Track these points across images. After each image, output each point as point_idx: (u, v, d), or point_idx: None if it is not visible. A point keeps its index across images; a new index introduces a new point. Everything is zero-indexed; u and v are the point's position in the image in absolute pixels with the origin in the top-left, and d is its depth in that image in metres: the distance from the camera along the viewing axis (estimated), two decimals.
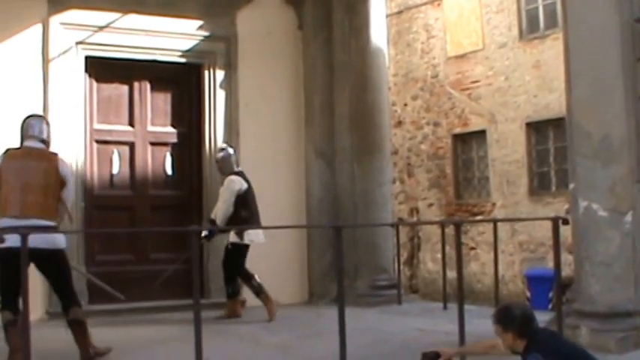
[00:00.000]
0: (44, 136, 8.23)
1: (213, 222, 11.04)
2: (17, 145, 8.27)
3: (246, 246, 11.11)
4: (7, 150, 8.13)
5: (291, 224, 12.65)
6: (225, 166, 11.21)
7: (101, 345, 8.22)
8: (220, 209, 10.97)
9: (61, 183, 8.03)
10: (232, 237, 11.03)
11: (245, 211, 10.98)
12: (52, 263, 7.81)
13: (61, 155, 8.39)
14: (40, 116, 8.61)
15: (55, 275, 8.01)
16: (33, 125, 8.22)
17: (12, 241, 7.06)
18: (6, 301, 7.83)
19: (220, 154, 11.32)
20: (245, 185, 11.07)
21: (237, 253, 11.10)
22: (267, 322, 10.64)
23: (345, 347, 6.53)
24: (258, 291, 11.10)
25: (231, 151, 11.32)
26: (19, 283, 7.24)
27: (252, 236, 11.03)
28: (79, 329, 8.01)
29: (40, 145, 8.16)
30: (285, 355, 8.35)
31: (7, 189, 7.84)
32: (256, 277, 11.12)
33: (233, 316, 11.10)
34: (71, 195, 8.41)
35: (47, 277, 8.08)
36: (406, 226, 18.45)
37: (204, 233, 10.84)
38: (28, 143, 8.12)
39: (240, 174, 11.19)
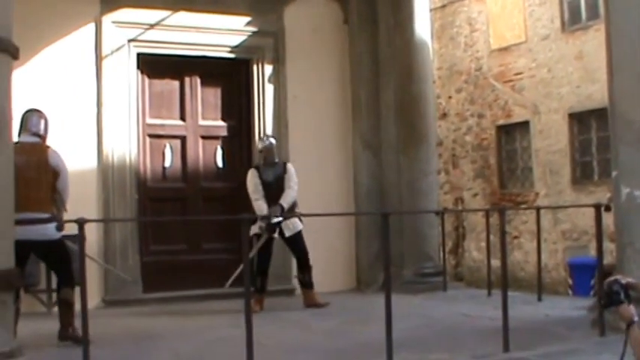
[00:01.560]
0: (38, 129, 8.31)
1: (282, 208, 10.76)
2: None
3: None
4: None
5: (338, 217, 12.68)
6: (271, 156, 11.05)
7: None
8: (291, 196, 10.84)
9: (54, 174, 8.12)
10: (300, 225, 10.93)
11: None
12: (48, 252, 8.00)
13: (52, 147, 8.39)
14: (37, 110, 8.53)
15: (51, 262, 8.28)
16: (28, 120, 8.32)
17: (22, 232, 7.26)
18: None
19: (264, 144, 11.14)
20: None
21: (303, 239, 11.01)
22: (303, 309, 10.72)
23: (392, 330, 6.52)
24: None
25: (273, 140, 11.22)
26: (22, 271, 7.57)
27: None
28: (65, 309, 8.10)
29: (34, 139, 8.26)
30: (333, 339, 8.35)
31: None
32: None
33: (320, 304, 10.91)
34: (66, 185, 8.31)
35: (45, 262, 8.28)
36: (451, 213, 18.29)
37: (275, 220, 10.62)
38: (22, 138, 8.19)
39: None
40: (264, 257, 10.83)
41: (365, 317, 9.61)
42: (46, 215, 7.94)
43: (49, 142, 8.49)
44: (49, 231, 7.89)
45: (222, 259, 12.01)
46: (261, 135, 12.38)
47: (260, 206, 10.71)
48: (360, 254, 13.06)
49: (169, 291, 11.75)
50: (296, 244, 10.98)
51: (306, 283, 11.06)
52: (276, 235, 10.80)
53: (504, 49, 19.95)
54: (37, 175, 8.00)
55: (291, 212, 10.69)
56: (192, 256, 12.39)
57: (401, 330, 7.35)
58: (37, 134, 8.30)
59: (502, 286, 7.47)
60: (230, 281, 10.43)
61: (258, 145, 11.30)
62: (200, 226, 12.46)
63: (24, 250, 7.55)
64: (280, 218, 10.55)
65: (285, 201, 10.74)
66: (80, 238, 6.11)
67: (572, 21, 18.37)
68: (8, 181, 5.36)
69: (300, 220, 10.87)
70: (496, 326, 7.45)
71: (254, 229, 10.62)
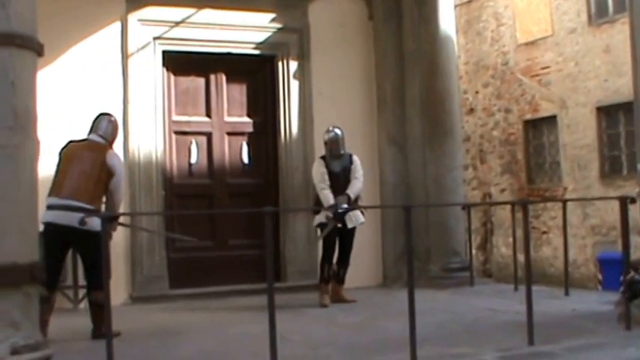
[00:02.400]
0: (106, 133, 8.88)
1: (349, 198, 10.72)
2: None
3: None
4: (70, 141, 8.81)
5: (365, 212, 12.67)
6: (337, 147, 10.98)
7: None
8: (357, 187, 10.82)
9: (109, 173, 8.54)
10: (362, 217, 10.94)
11: None
12: (85, 243, 8.14)
13: (114, 150, 8.93)
14: (107, 114, 9.15)
15: (86, 255, 8.39)
16: (98, 122, 8.94)
17: (54, 216, 8.14)
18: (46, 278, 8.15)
19: (331, 135, 11.05)
20: None
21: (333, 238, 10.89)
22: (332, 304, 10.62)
23: (415, 324, 6.52)
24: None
25: (339, 132, 11.08)
26: (60, 263, 8.38)
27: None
28: (96, 309, 8.29)
29: (100, 140, 8.80)
30: (358, 334, 8.36)
31: (62, 173, 8.48)
32: None
33: (347, 300, 10.90)
34: (119, 186, 8.73)
35: (80, 255, 8.44)
36: (475, 207, 18.20)
37: (341, 209, 10.53)
38: (90, 137, 8.83)
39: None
40: (330, 246, 10.82)
41: (390, 312, 9.63)
42: (90, 207, 8.19)
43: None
44: (91, 222, 8.01)
45: (248, 256, 12.08)
46: (290, 132, 12.52)
47: (326, 196, 10.65)
48: (386, 250, 13.07)
49: (196, 287, 11.82)
50: (349, 237, 10.90)
51: (340, 279, 11.01)
52: (340, 225, 10.70)
53: (531, 44, 19.86)
54: (92, 169, 8.47)
55: (355, 203, 10.70)
56: (219, 252, 12.44)
57: (426, 324, 7.38)
58: (103, 136, 8.84)
59: (526, 278, 7.44)
60: (321, 236, 10.70)
61: (324, 136, 11.18)
62: (226, 222, 12.51)
63: (63, 237, 8.12)
64: (346, 207, 10.50)
65: (352, 191, 10.73)
66: (103, 233, 6.17)
67: (598, 14, 18.26)
68: (32, 177, 5.41)
69: (363, 214, 10.89)
70: (521, 320, 7.43)
71: (319, 219, 10.75)
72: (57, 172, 8.56)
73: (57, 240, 8.31)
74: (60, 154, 8.69)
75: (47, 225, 8.32)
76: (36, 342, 5.27)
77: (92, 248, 8.15)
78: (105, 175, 8.53)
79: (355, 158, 11.01)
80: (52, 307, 8.37)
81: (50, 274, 8.05)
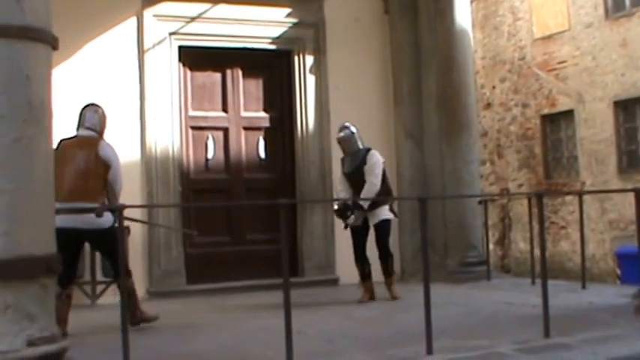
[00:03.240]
0: (94, 124, 8.70)
1: (355, 204, 10.37)
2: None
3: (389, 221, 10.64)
4: (61, 140, 8.55)
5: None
6: (350, 146, 10.61)
7: (150, 312, 8.68)
8: (370, 191, 10.19)
9: (105, 165, 8.42)
10: (386, 214, 10.48)
11: (386, 186, 10.57)
12: (100, 241, 8.17)
13: (105, 140, 8.71)
14: (93, 105, 8.93)
15: (104, 251, 8.45)
16: (84, 115, 8.76)
17: (60, 221, 7.59)
18: (60, 275, 8.23)
19: (341, 134, 10.70)
20: (382, 158, 10.63)
21: (389, 231, 10.63)
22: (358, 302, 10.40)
23: (430, 316, 6.52)
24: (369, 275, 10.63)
25: (353, 129, 10.69)
26: (73, 262, 8.30)
27: (389, 213, 10.59)
28: (128, 297, 8.16)
29: (89, 133, 8.64)
30: (374, 327, 8.36)
31: (59, 176, 8.08)
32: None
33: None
34: (117, 176, 8.58)
35: (99, 252, 8.46)
36: (493, 201, 18.13)
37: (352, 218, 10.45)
38: (79, 132, 8.69)
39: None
40: (355, 245, 10.61)
41: (407, 306, 9.61)
42: (94, 205, 8.10)
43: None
44: (97, 220, 8.04)
45: (265, 251, 12.08)
46: (306, 126, 12.58)
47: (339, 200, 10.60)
48: (403, 245, 13.04)
49: (213, 282, 11.83)
50: (378, 233, 10.55)
51: (385, 273, 10.69)
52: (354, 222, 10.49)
53: (548, 38, 19.83)
54: (87, 166, 8.34)
55: (378, 202, 10.33)
56: (236, 247, 12.46)
57: (442, 318, 7.37)
58: (91, 128, 8.66)
59: (542, 268, 7.42)
60: (351, 221, 10.48)
61: (336, 136, 10.93)
62: (243, 217, 12.53)
63: (74, 238, 8.06)
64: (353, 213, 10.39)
65: (370, 194, 10.30)
66: (120, 224, 6.19)
67: (615, 8, 18.21)
68: (48, 169, 5.42)
69: (392, 211, 10.62)
70: (538, 314, 7.40)
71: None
72: (55, 175, 8.37)
73: (67, 242, 7.86)
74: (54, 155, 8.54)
75: (61, 230, 8.16)
76: (52, 334, 5.26)
77: (107, 244, 8.27)
78: (102, 168, 8.42)
79: (370, 155, 10.48)
80: (69, 304, 8.44)
81: (63, 272, 8.15)
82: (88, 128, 8.66)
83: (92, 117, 8.73)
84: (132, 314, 8.39)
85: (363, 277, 10.55)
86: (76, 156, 8.39)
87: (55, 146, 8.36)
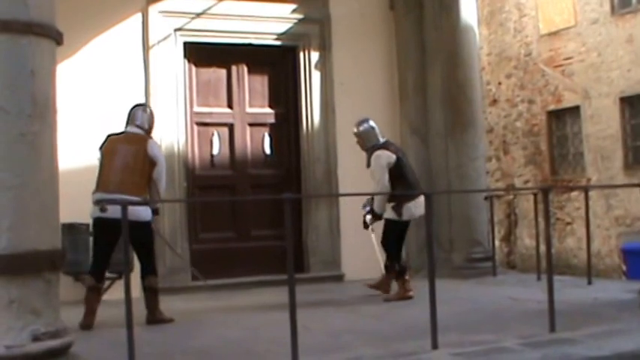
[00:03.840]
0: (142, 123, 8.99)
1: (377, 216, 10.14)
2: (120, 129, 9.01)
3: (403, 222, 10.16)
4: (109, 135, 8.92)
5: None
6: (367, 141, 10.27)
7: (169, 313, 8.85)
8: (376, 191, 9.97)
9: (151, 163, 8.71)
10: (388, 213, 10.04)
11: (401, 185, 9.99)
12: (136, 234, 8.10)
13: (154, 139, 9.12)
14: (142, 105, 9.41)
15: (137, 245, 8.43)
16: (134, 114, 9.05)
17: (105, 212, 8.34)
18: (93, 268, 8.72)
19: (359, 128, 10.38)
20: (393, 157, 10.03)
21: (392, 231, 10.16)
22: (383, 299, 10.08)
23: (436, 310, 6.52)
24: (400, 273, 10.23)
25: (372, 123, 10.38)
26: (108, 255, 8.68)
27: (412, 211, 10.03)
28: (151, 295, 8.76)
29: (138, 131, 8.92)
30: (380, 322, 8.35)
31: (106, 168, 8.67)
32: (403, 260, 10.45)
33: (403, 297, 10.00)
34: (162, 174, 8.87)
35: (133, 245, 8.51)
36: (497, 195, 18.03)
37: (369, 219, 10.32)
38: (128, 129, 8.94)
39: (386, 145, 10.21)
40: (384, 243, 10.32)
41: (412, 301, 9.65)
42: (137, 198, 8.29)
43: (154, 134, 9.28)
44: (139, 213, 8.32)
45: (271, 247, 12.07)
46: (311, 122, 12.64)
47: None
48: (408, 241, 12.90)
49: (218, 279, 11.78)
50: (382, 235, 10.37)
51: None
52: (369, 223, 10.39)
53: (554, 34, 19.77)
54: (135, 161, 8.63)
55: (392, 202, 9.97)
56: (241, 243, 12.45)
57: (448, 313, 7.35)
58: (140, 126, 8.95)
59: (547, 263, 7.42)
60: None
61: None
62: (248, 213, 12.52)
63: (114, 229, 8.00)
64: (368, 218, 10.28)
65: (375, 204, 10.14)
66: (123, 220, 6.19)
67: (621, 4, 18.14)
68: (53, 164, 5.43)
69: (397, 210, 10.05)
70: (543, 309, 7.39)
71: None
72: (100, 167, 8.73)
73: (107, 234, 8.52)
74: (101, 149, 8.82)
75: (97, 220, 8.61)
76: (56, 329, 5.28)
77: (143, 238, 8.57)
78: (148, 165, 8.69)
79: (373, 158, 10.09)
80: (100, 296, 8.77)
81: (98, 266, 8.71)
82: (138, 126, 8.95)
83: (142, 116, 9.05)
84: (151, 312, 8.69)
85: (400, 272, 10.21)
86: (125, 151, 8.67)
87: (103, 140, 8.86)
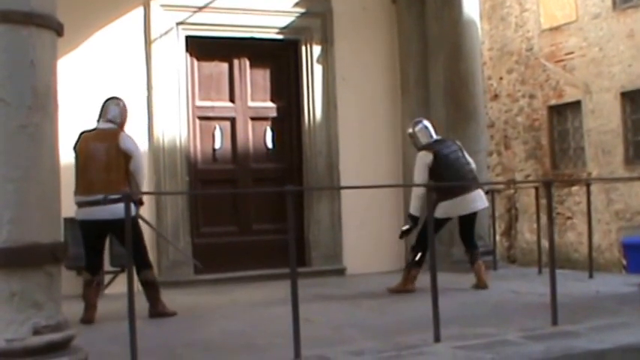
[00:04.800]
0: (114, 116, 8.85)
1: (412, 217, 10.08)
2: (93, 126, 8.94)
3: (437, 220, 9.48)
4: (82, 133, 8.82)
5: (389, 196, 12.63)
6: (416, 142, 10.29)
7: (172, 307, 8.80)
8: (414, 191, 9.99)
9: (126, 157, 8.57)
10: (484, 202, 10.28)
11: (447, 175, 9.91)
12: (120, 231, 7.99)
13: (126, 132, 8.89)
14: (114, 98, 9.09)
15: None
16: (106, 107, 8.91)
17: (84, 213, 8.46)
18: (87, 263, 8.71)
19: (413, 129, 10.34)
20: (430, 157, 9.96)
21: (425, 226, 9.81)
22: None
23: (438, 303, 6.48)
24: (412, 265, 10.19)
25: (425, 123, 10.38)
26: (99, 250, 8.73)
27: (448, 209, 9.93)
28: (150, 288, 8.71)
29: (109, 126, 8.77)
30: (381, 315, 8.32)
31: (82, 169, 8.59)
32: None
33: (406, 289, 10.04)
34: (139, 166, 8.75)
35: (120, 243, 8.56)
36: (497, 190, 17.99)
37: (404, 228, 10.35)
38: (100, 125, 8.83)
39: (431, 145, 10.12)
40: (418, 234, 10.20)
41: (414, 295, 9.63)
42: (118, 196, 8.11)
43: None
44: (120, 210, 8.01)
45: (272, 240, 12.02)
46: (313, 116, 12.67)
47: None
48: (409, 235, 12.97)
49: (220, 272, 11.76)
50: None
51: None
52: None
53: (555, 29, 19.74)
54: (108, 158, 8.50)
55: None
56: (243, 237, 12.41)
57: (449, 306, 7.32)
58: (112, 121, 8.81)
59: (550, 255, 7.37)
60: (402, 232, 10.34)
61: None
62: (250, 207, 12.48)
63: (99, 230, 8.40)
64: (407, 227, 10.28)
65: (411, 207, 10.13)
66: (126, 213, 6.15)
67: None
68: (53, 156, 5.37)
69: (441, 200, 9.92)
70: (545, 302, 7.36)
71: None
72: (77, 168, 8.63)
73: (93, 234, 8.56)
74: (75, 149, 8.69)
75: (81, 222, 8.57)
76: (58, 322, 5.23)
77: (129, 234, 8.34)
78: (123, 159, 8.55)
79: (416, 158, 10.18)
80: (98, 290, 8.78)
81: (91, 260, 8.69)
82: (109, 121, 8.80)
83: (113, 110, 8.87)
84: (153, 305, 8.65)
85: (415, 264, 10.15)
86: (97, 149, 8.53)
87: (76, 138, 8.74)
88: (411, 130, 10.44)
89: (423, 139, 10.24)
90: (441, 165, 9.99)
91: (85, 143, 8.63)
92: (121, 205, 7.99)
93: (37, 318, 5.08)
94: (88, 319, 8.34)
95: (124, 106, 9.02)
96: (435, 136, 10.34)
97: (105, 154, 8.49)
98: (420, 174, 9.95)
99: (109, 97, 9.08)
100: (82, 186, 8.50)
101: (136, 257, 8.42)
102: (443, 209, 9.90)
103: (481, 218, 12.47)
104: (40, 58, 5.21)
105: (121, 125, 8.85)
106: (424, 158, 10.00)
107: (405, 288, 10.02)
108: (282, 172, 12.68)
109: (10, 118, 5.05)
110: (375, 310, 8.74)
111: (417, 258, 10.14)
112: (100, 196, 8.21)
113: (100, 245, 8.75)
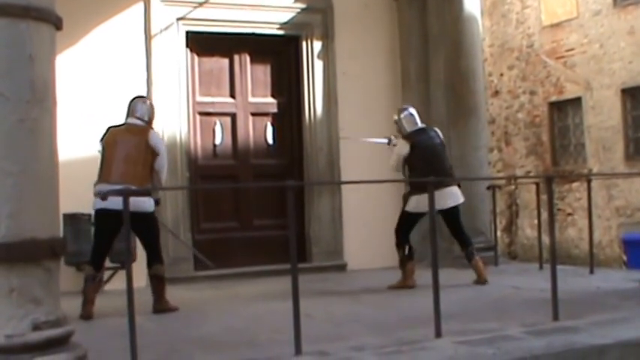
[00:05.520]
0: (142, 114, 9.00)
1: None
2: (122, 119, 9.03)
3: (410, 213, 10.02)
4: (110, 127, 8.92)
5: (390, 191, 12.60)
6: (401, 129, 10.25)
7: (173, 302, 8.83)
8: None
9: (153, 153, 8.73)
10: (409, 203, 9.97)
11: (417, 176, 9.83)
12: (140, 225, 8.24)
13: (155, 129, 9.15)
14: (142, 97, 9.38)
15: (142, 235, 8.60)
16: (134, 105, 9.04)
17: (106, 203, 8.01)
18: (92, 258, 8.70)
19: (395, 117, 10.42)
20: (406, 148, 10.01)
21: (400, 217, 10.23)
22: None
23: (439, 299, 6.45)
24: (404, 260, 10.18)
25: (406, 112, 10.34)
26: (109, 245, 8.71)
27: (419, 204, 9.72)
28: (158, 283, 8.76)
29: (138, 122, 8.92)
30: (382, 311, 8.28)
31: (108, 160, 8.66)
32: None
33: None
34: (163, 165, 8.92)
35: (137, 235, 8.55)
36: (499, 186, 17.93)
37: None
38: (129, 120, 8.94)
39: (412, 135, 10.11)
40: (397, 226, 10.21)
41: (415, 291, 9.61)
42: (140, 189, 8.34)
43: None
44: (143, 204, 8.38)
45: (273, 236, 12.00)
46: (314, 112, 12.70)
47: None
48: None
49: (221, 268, 11.70)
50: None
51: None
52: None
53: (556, 26, 19.69)
54: (137, 152, 8.65)
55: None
56: (244, 233, 12.39)
57: (451, 302, 7.30)
58: (140, 118, 8.96)
59: (551, 250, 7.34)
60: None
61: None
62: (251, 203, 12.44)
63: (116, 221, 8.06)
64: None
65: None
66: (125, 209, 6.12)
67: None
68: (52, 151, 5.32)
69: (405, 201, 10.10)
70: (546, 298, 7.34)
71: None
72: (102, 159, 8.72)
73: (109, 225, 8.48)
74: (102, 141, 8.81)
75: (99, 211, 8.50)
76: (57, 318, 5.19)
77: (147, 228, 8.61)
78: (150, 156, 8.71)
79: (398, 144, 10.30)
80: (98, 286, 8.80)
81: (98, 255, 8.73)
82: (138, 118, 8.94)
83: (141, 107, 9.03)
84: (158, 300, 8.70)
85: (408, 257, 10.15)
86: (127, 142, 8.68)
87: (104, 132, 8.87)
88: (396, 117, 10.42)
89: (408, 127, 10.23)
90: (417, 156, 10.00)
91: (113, 136, 8.76)
92: (141, 199, 8.23)
93: (37, 314, 5.04)
94: (86, 314, 8.33)
95: (151, 104, 9.26)
96: (419, 125, 10.32)
97: (134, 148, 8.65)
98: (396, 160, 10.16)
99: (136, 95, 9.31)
100: (107, 175, 8.58)
101: (150, 252, 8.77)
102: (414, 203, 9.90)
103: (481, 214, 12.50)
104: (38, 52, 5.16)
105: (149, 123, 9.01)
106: (402, 148, 10.07)
107: (405, 284, 9.99)
108: (282, 167, 12.65)
109: (8, 112, 5.00)
110: (376, 306, 8.71)
111: (407, 252, 10.17)
112: (123, 187, 8.11)
113: (111, 239, 8.73)
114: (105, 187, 8.30)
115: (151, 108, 9.14)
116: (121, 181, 8.32)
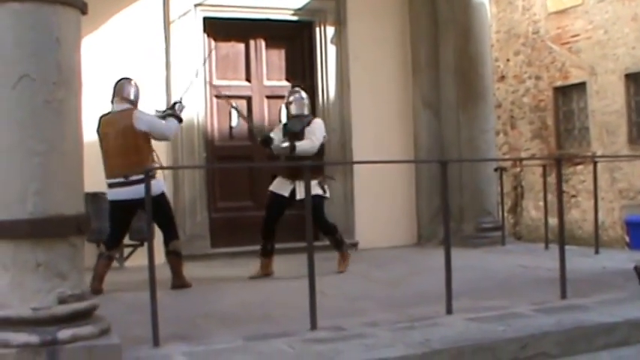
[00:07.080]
0: (129, 94, 8.96)
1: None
2: (142, 103, 9.15)
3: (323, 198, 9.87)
4: (101, 117, 8.92)
5: (401, 172, 12.59)
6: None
7: (188, 278, 8.90)
8: (307, 145, 9.73)
9: (144, 135, 8.67)
10: (316, 189, 9.47)
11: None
12: (152, 210, 8.04)
13: (137, 109, 8.92)
14: (127, 78, 9.16)
15: (155, 218, 8.29)
16: (120, 86, 9.00)
17: (113, 194, 8.59)
18: (109, 238, 8.82)
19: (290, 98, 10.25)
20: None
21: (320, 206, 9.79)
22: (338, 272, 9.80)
23: (451, 276, 6.46)
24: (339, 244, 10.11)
25: (296, 96, 10.30)
26: (124, 231, 8.89)
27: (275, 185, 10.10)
28: (175, 259, 8.83)
29: (123, 106, 8.84)
30: (394, 288, 8.29)
31: (105, 153, 8.75)
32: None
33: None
34: (161, 132, 8.96)
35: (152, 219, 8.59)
36: (505, 168, 17.89)
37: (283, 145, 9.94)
38: (115, 106, 8.89)
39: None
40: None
41: (425, 269, 9.59)
42: (139, 176, 8.05)
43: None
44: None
45: (287, 215, 11.92)
46: (327, 96, 12.68)
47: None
48: (420, 210, 12.98)
49: (236, 246, 11.75)
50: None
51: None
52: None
53: (561, 12, 19.56)
54: (126, 141, 8.60)
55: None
56: (259, 212, 12.31)
57: (460, 280, 7.27)
58: (126, 98, 8.89)
59: (559, 230, 7.36)
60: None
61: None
62: (266, 182, 12.39)
63: (130, 209, 8.53)
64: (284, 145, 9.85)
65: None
66: (146, 186, 6.12)
67: None
68: (77, 131, 5.33)
69: (322, 188, 9.92)
70: (553, 276, 7.35)
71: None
72: (102, 152, 8.76)
73: (122, 213, 8.67)
74: (97, 133, 8.81)
75: (112, 202, 8.69)
76: (82, 292, 5.22)
77: (160, 210, 8.48)
78: (141, 137, 8.66)
79: (319, 121, 10.33)
80: (109, 263, 8.84)
81: (112, 239, 8.83)
82: (124, 98, 8.88)
83: (127, 88, 8.97)
84: (176, 275, 8.77)
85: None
86: (116, 133, 8.63)
87: (97, 123, 8.87)
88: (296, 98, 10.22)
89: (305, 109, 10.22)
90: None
91: (104, 129, 8.77)
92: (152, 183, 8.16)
93: (62, 287, 5.07)
94: (95, 289, 8.26)
95: (136, 84, 9.12)
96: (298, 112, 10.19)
97: (122, 136, 8.60)
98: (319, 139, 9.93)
99: (121, 77, 9.16)
100: (109, 169, 8.65)
101: (166, 229, 8.79)
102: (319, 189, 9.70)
103: (489, 195, 12.48)
104: (64, 36, 5.18)
105: (135, 103, 8.95)
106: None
107: (344, 269, 9.85)
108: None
109: (35, 93, 5.02)
110: (387, 284, 8.73)
111: (339, 237, 10.09)
112: (127, 178, 8.40)
113: (125, 223, 8.84)
114: (110, 180, 8.65)
115: (137, 88, 9.08)
116: (122, 173, 8.47)
